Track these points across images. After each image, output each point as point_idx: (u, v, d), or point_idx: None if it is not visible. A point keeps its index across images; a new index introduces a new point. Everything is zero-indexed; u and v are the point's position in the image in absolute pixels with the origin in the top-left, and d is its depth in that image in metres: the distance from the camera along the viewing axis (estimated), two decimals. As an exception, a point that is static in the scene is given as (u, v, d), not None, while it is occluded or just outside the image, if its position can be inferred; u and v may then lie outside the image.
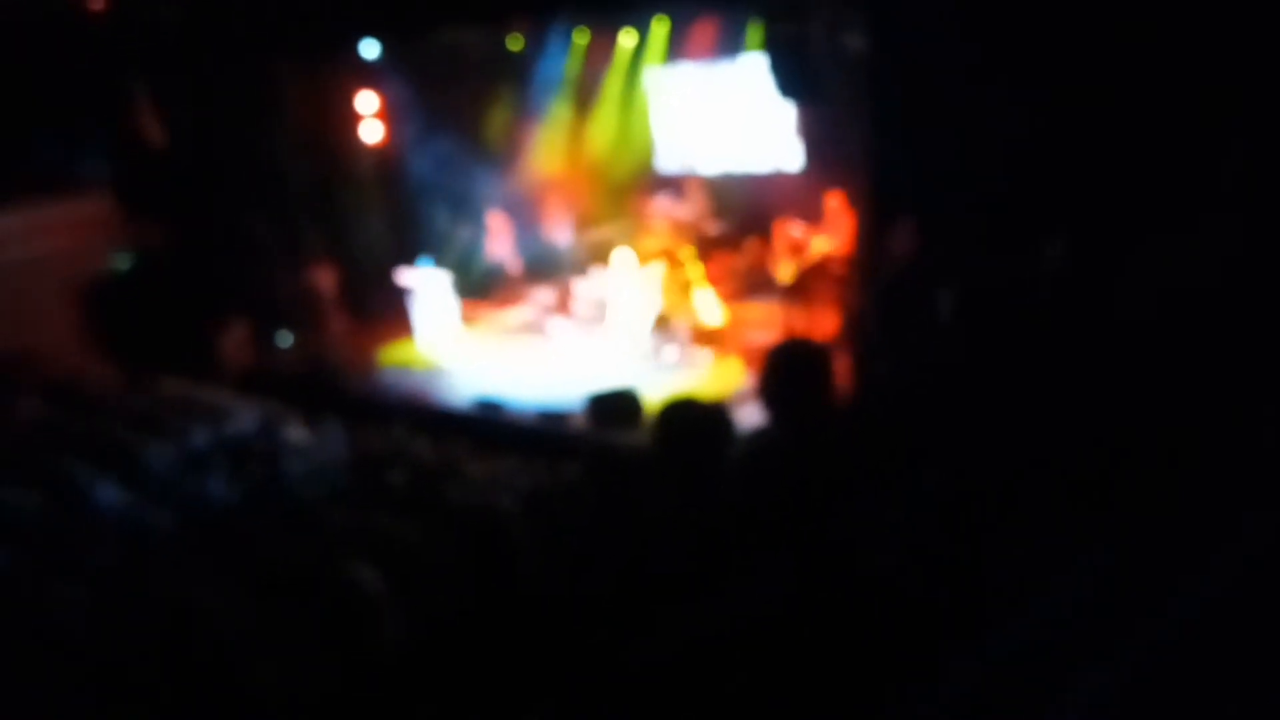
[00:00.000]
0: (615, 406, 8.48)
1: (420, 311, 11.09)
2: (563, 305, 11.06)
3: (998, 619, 2.32)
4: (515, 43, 12.45)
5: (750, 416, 3.78)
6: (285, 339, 11.82)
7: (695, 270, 10.26)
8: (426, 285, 11.03)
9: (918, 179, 7.12)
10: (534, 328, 11.28)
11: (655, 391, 8.46)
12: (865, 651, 2.30)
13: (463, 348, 11.01)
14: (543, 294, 11.44)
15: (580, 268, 11.74)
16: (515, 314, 11.47)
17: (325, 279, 12.05)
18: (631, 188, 12.61)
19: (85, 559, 6.37)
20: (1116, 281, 5.62)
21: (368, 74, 12.03)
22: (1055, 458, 2.89)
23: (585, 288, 10.79)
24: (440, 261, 11.55)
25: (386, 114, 12.13)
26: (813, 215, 10.17)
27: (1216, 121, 5.80)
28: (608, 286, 10.56)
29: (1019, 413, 3.23)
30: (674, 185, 12.28)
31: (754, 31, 10.31)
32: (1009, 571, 2.46)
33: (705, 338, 9.95)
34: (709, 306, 10.08)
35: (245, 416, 8.78)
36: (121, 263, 11.66)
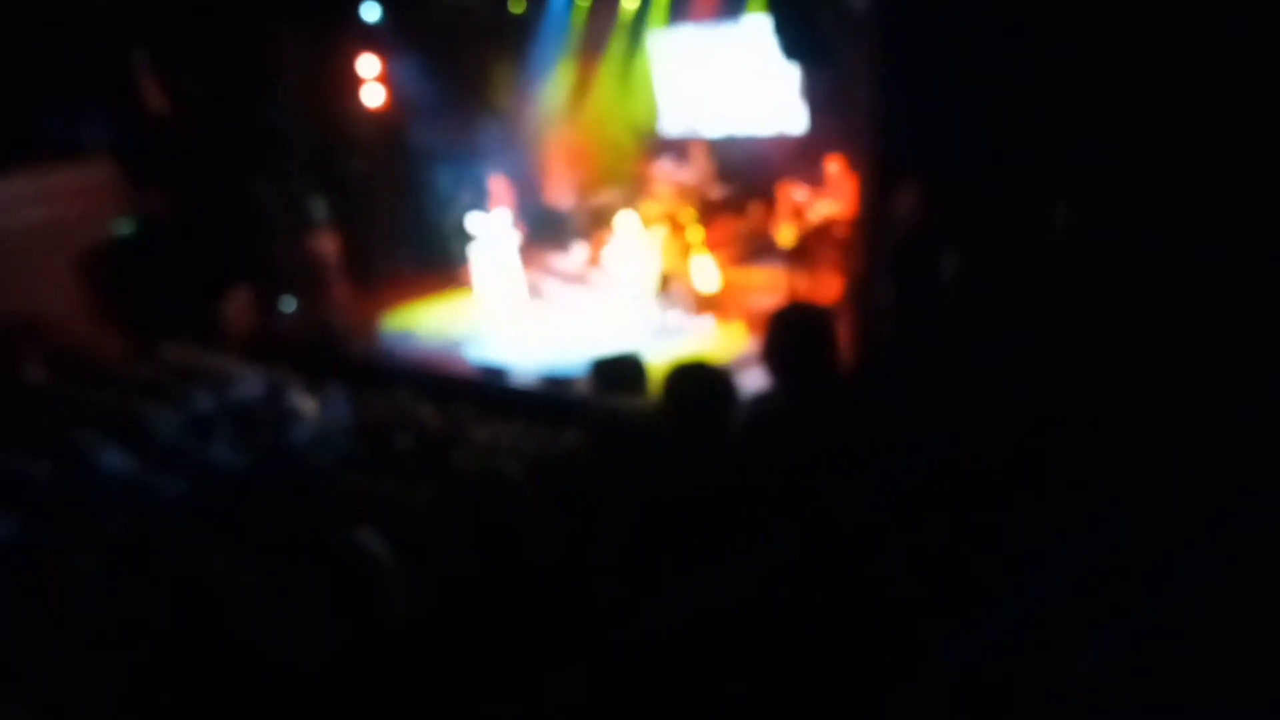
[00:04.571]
0: (619, 371, 8.47)
1: (483, 260, 11.01)
2: (586, 269, 11.04)
3: (1004, 587, 2.32)
4: (517, 5, 12.38)
5: (753, 381, 3.78)
6: (289, 305, 11.84)
7: (697, 234, 10.23)
8: (495, 233, 10.95)
9: (924, 140, 7.07)
10: (539, 292, 11.29)
11: (658, 356, 8.47)
12: (869, 618, 2.30)
13: (516, 301, 10.97)
14: (553, 259, 11.44)
15: (583, 232, 11.74)
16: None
17: (328, 244, 12.06)
18: (634, 151, 12.56)
19: (93, 525, 6.42)
20: (1125, 245, 5.60)
21: (369, 38, 11.97)
22: (1063, 422, 2.88)
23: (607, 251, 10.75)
24: (442, 226, 11.55)
25: (388, 78, 12.08)
26: (816, 178, 10.14)
27: (1222, 81, 5.75)
28: (611, 251, 10.54)
29: (1025, 378, 3.23)
30: (677, 148, 12.22)
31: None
32: (1014, 539, 2.46)
33: (707, 302, 9.95)
34: (711, 271, 10.06)
35: (250, 383, 8.80)
36: (125, 229, 11.66)
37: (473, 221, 11.01)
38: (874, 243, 7.79)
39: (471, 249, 11.05)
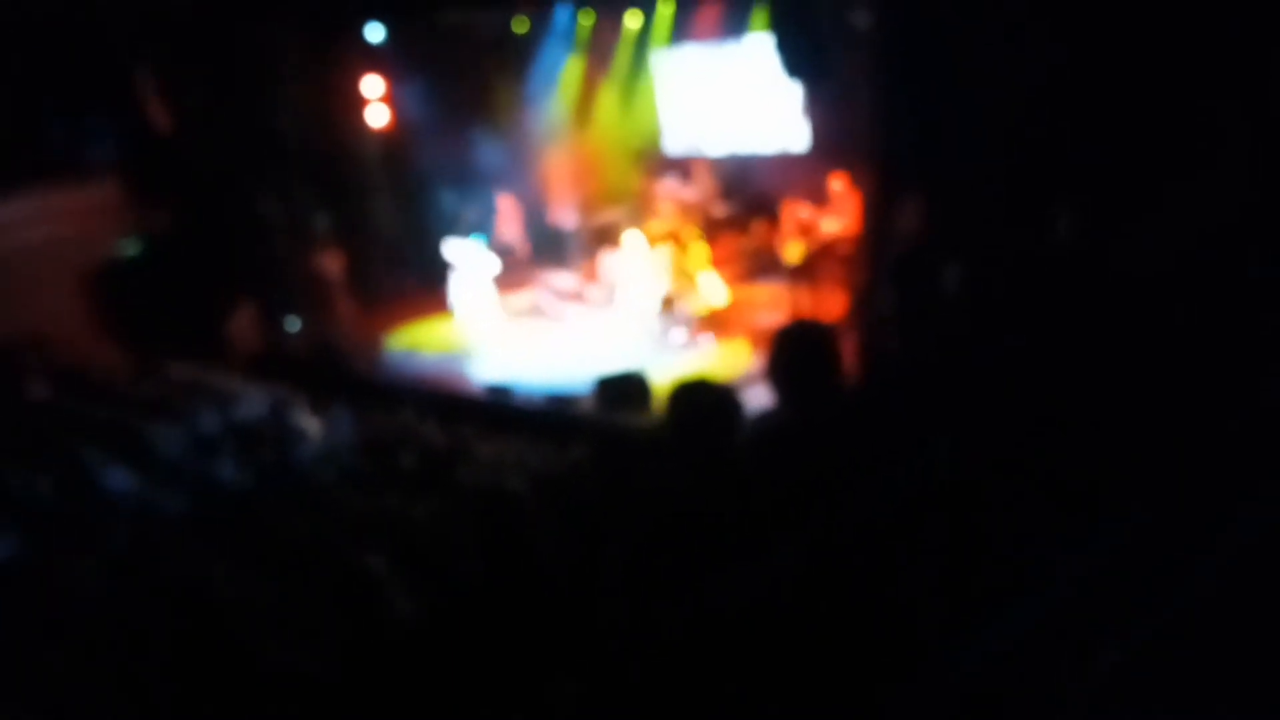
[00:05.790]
0: (624, 389, 8.48)
1: (457, 286, 11.00)
2: (583, 286, 11.04)
3: (1006, 599, 2.32)
4: (521, 25, 12.44)
5: (758, 398, 3.77)
6: (293, 323, 11.83)
7: (702, 252, 10.24)
8: (471, 261, 10.93)
9: (926, 155, 7.08)
10: (542, 311, 11.29)
11: (663, 374, 8.46)
12: (873, 629, 2.30)
13: (495, 327, 10.94)
14: (552, 276, 11.44)
15: (587, 250, 11.75)
16: (523, 297, 11.46)
17: (333, 263, 12.07)
18: (638, 170, 12.59)
19: (97, 542, 6.41)
20: (1126, 247, 5.60)
21: (373, 58, 12.02)
22: (1065, 425, 2.88)
23: (604, 269, 10.75)
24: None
25: (393, 97, 12.12)
26: (820, 196, 10.15)
27: (1223, 83, 5.77)
28: (615, 269, 10.55)
29: (1029, 390, 3.22)
30: (681, 167, 12.25)
31: (759, 11, 10.27)
32: (1018, 551, 2.46)
33: (712, 320, 9.94)
34: (715, 288, 10.07)
35: (254, 401, 8.81)
36: (130, 248, 11.68)
37: (448, 249, 11.00)
38: (877, 254, 7.80)
39: (450, 276, 11.04)
